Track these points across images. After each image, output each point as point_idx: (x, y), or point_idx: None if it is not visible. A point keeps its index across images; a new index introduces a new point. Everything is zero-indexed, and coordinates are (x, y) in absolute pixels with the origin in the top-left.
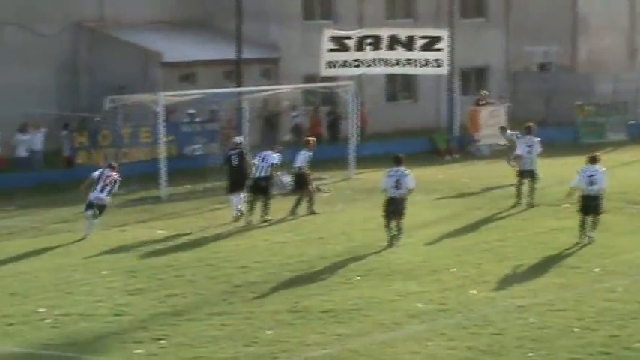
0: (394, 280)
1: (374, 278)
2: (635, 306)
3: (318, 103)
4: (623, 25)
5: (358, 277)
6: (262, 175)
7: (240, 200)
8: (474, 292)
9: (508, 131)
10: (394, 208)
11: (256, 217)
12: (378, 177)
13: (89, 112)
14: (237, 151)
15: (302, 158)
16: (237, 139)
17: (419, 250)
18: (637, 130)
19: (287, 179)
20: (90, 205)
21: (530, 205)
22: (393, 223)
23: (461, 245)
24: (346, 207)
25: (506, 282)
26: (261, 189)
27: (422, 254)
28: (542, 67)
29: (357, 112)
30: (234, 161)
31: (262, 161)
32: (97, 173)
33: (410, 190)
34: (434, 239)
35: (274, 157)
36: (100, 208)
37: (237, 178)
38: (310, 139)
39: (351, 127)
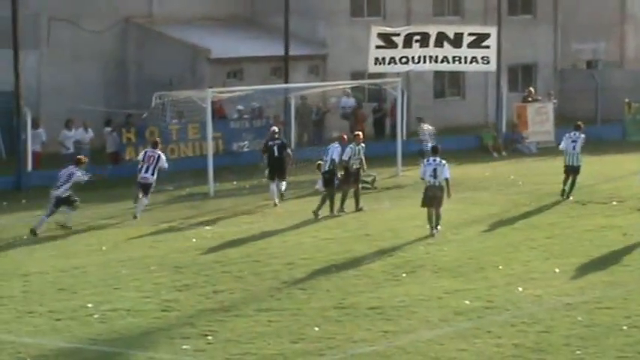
0: (441, 278)
1: (421, 275)
2: None
3: (361, 99)
4: None
5: (405, 274)
6: (327, 168)
7: (277, 189)
8: (521, 289)
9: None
10: (432, 195)
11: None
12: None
13: (137, 108)
14: (278, 142)
15: (348, 151)
16: (275, 128)
17: (466, 247)
18: None
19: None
20: (139, 186)
21: (567, 197)
22: (432, 211)
23: (508, 242)
24: (393, 204)
25: (553, 279)
26: (327, 182)
27: (469, 251)
28: (590, 64)
29: (406, 109)
30: (276, 152)
31: (326, 155)
32: (140, 155)
33: (446, 180)
34: (481, 236)
35: (336, 151)
36: (144, 188)
37: (277, 167)
38: (358, 133)
39: (399, 124)
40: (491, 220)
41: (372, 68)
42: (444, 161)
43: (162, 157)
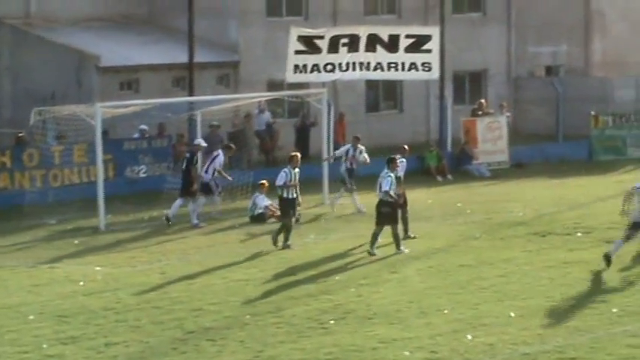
0: (376, 325)
1: (352, 322)
2: None
3: (276, 114)
4: None
5: (333, 321)
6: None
7: (177, 206)
8: (471, 337)
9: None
10: (381, 211)
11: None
12: (359, 202)
13: (11, 126)
14: (189, 155)
15: (283, 176)
16: (199, 140)
17: (405, 288)
18: None
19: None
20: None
21: None
22: (388, 229)
23: (454, 282)
24: (320, 238)
25: (508, 325)
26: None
27: (409, 293)
28: (550, 70)
29: (331, 124)
30: (184, 164)
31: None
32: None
33: (385, 193)
34: (423, 275)
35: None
36: (203, 188)
37: (183, 183)
38: (295, 154)
39: (325, 143)
40: (434, 256)
41: (292, 77)
42: (390, 173)
43: (221, 157)
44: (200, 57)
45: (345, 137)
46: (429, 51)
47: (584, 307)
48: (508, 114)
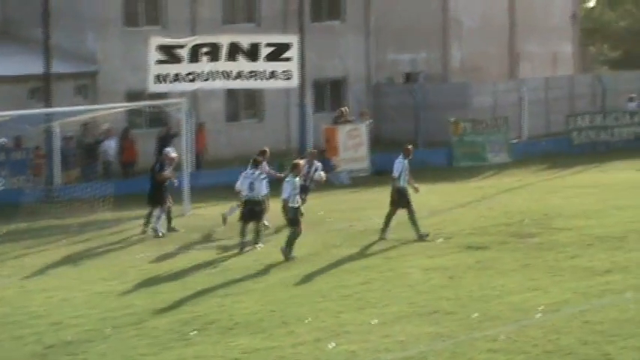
0: (238, 335)
1: (214, 333)
2: (520, 357)
3: (128, 125)
4: (503, 26)
5: (195, 332)
6: None
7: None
8: (333, 345)
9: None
10: (249, 209)
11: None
12: (218, 212)
13: None
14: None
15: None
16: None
17: (267, 298)
18: (520, 149)
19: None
20: None
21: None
22: (250, 227)
23: (316, 291)
24: (180, 250)
25: (370, 333)
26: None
27: (271, 302)
28: (410, 77)
29: (192, 134)
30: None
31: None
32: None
33: (264, 196)
34: (284, 284)
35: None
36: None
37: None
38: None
39: (184, 154)
40: (297, 265)
41: (153, 87)
42: (263, 175)
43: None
44: (57, 68)
45: (206, 146)
46: (288, 59)
47: (445, 313)
48: (369, 121)
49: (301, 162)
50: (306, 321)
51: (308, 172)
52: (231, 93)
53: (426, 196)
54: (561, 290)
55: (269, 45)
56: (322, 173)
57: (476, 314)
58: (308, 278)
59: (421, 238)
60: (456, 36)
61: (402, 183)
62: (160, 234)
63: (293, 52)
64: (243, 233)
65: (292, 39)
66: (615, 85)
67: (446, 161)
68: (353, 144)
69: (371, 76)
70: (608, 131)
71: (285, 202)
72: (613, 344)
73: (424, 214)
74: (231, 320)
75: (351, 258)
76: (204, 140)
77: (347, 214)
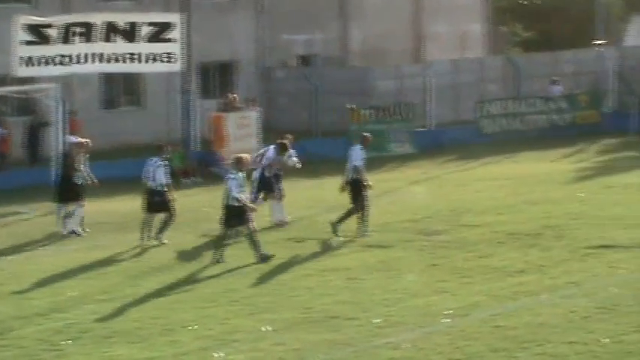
0: (115, 344)
1: (89, 342)
2: None
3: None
4: (407, 4)
5: (68, 342)
6: None
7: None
8: (220, 355)
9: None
10: (152, 200)
11: None
12: (94, 209)
13: None
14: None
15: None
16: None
17: (148, 304)
18: (426, 139)
19: None
20: None
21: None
22: (155, 217)
23: (202, 295)
24: (53, 250)
25: (260, 340)
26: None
27: (152, 309)
28: (305, 60)
29: (64, 124)
30: None
31: None
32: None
33: (164, 185)
34: (167, 289)
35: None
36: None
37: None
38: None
39: (54, 145)
40: (179, 268)
41: (21, 71)
42: (162, 162)
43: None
44: None
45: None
46: (171, 40)
47: (345, 319)
48: (259, 109)
49: (246, 156)
50: (191, 328)
51: (264, 162)
52: (108, 78)
53: (323, 190)
54: (470, 293)
55: (150, 24)
56: (295, 159)
57: (378, 320)
58: (193, 281)
59: (336, 231)
60: (356, 15)
61: (354, 174)
62: (84, 234)
63: (176, 33)
64: (146, 226)
65: (175, 18)
66: (529, 68)
67: (344, 152)
68: (242, 134)
69: (263, 59)
70: (521, 119)
71: (235, 200)
72: (526, 351)
73: (321, 210)
74: (108, 328)
75: (240, 259)
76: (78, 129)
77: None
